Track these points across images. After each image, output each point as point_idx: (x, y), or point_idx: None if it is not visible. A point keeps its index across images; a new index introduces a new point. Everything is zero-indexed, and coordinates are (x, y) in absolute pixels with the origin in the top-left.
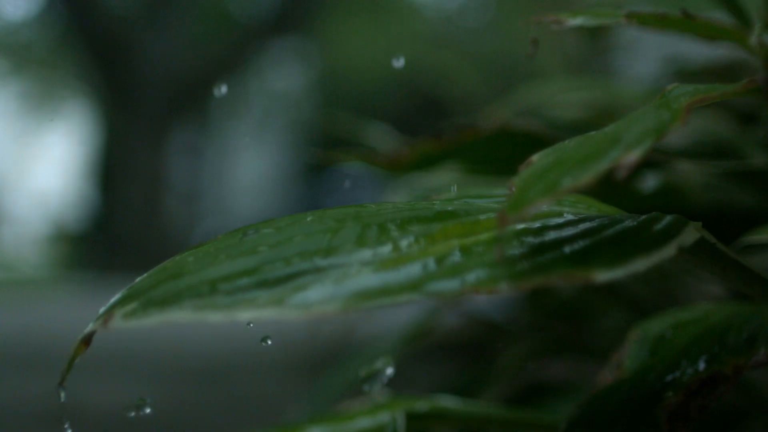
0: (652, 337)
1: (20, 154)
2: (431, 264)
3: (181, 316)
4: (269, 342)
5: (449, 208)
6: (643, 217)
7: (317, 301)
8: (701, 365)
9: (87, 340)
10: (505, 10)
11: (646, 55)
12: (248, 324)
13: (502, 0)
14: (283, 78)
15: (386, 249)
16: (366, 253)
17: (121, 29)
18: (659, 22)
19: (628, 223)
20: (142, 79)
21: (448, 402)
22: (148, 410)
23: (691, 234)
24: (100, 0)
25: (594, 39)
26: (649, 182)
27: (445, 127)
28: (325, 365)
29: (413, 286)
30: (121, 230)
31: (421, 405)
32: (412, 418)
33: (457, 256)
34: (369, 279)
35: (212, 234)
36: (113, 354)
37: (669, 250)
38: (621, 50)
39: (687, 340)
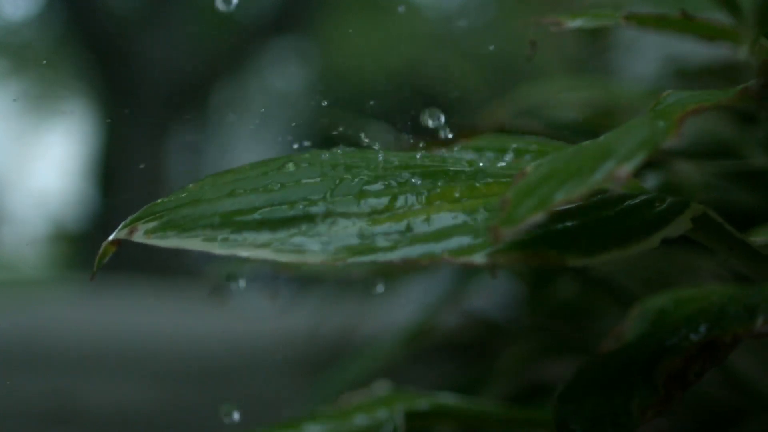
0: (653, 311)
1: (20, 154)
2: (418, 226)
3: (192, 245)
4: None
5: (452, 169)
6: (641, 198)
7: (309, 251)
8: (701, 331)
9: (115, 242)
10: (505, 10)
11: (646, 55)
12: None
13: (502, 0)
14: (283, 78)
15: (383, 202)
16: (363, 207)
17: (121, 29)
18: (658, 22)
19: (628, 202)
20: (142, 79)
21: (448, 399)
22: None
23: (682, 224)
24: (100, 0)
25: (594, 39)
26: (649, 182)
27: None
28: (325, 365)
29: (393, 247)
30: None
31: (422, 402)
32: (413, 415)
33: (445, 220)
34: (358, 235)
35: None
36: (113, 354)
37: (653, 241)
38: (621, 50)
39: (688, 312)
